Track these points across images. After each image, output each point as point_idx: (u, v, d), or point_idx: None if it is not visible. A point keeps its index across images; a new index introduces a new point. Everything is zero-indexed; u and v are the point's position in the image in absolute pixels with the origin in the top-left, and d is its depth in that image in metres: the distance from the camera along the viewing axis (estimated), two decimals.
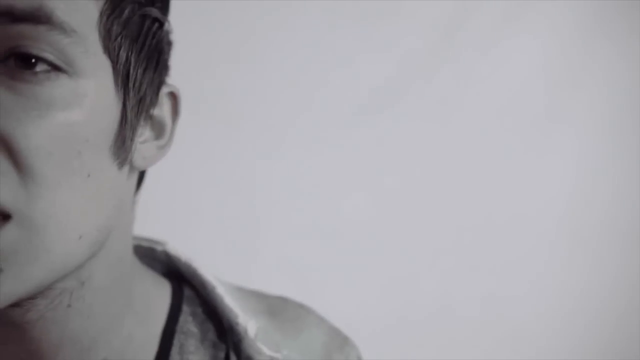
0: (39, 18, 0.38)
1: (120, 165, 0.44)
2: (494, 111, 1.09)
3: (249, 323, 0.52)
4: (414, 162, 1.06)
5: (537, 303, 1.11)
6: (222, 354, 0.52)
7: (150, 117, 0.46)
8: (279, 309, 0.56)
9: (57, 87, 0.39)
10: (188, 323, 0.53)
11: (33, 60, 0.38)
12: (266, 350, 0.51)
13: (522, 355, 1.09)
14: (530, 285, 1.12)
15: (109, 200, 0.43)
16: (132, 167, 0.46)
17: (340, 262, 1.00)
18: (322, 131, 1.02)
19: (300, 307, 0.57)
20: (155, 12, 0.45)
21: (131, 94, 0.43)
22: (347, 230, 1.02)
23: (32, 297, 0.42)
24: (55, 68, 0.39)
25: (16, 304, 0.42)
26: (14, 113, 0.38)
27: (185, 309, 0.54)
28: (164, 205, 0.85)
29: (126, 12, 0.43)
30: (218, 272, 0.55)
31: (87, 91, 0.40)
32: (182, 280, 0.56)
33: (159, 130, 0.47)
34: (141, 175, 0.51)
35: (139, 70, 0.44)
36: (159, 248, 0.57)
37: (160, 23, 0.46)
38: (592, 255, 1.15)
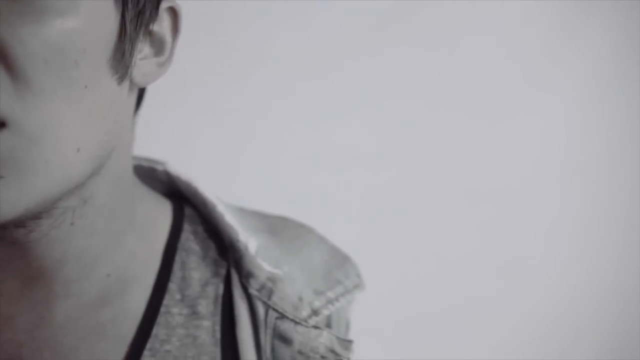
0: None
1: (120, 80, 0.43)
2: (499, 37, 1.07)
3: (249, 240, 0.52)
4: (415, 92, 1.05)
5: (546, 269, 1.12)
6: (223, 271, 0.53)
7: (149, 33, 0.45)
8: (279, 227, 0.57)
9: None
10: (189, 241, 0.53)
11: None
12: (266, 267, 0.51)
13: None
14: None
15: (107, 115, 0.43)
16: (131, 84, 0.45)
17: (339, 193, 1.00)
18: (322, 60, 1.01)
19: (301, 226, 0.58)
20: None
21: (130, 5, 0.42)
22: (346, 161, 1.02)
23: (36, 217, 0.42)
24: None
25: (20, 224, 0.42)
26: (9, 19, 0.37)
27: (187, 227, 0.54)
28: (162, 129, 0.85)
29: None
30: None
31: None
32: (182, 199, 0.56)
33: (158, 46, 0.46)
34: (141, 95, 0.50)
35: None
36: (160, 168, 0.57)
37: None
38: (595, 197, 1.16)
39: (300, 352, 0.49)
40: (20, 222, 0.42)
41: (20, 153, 0.38)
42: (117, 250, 0.49)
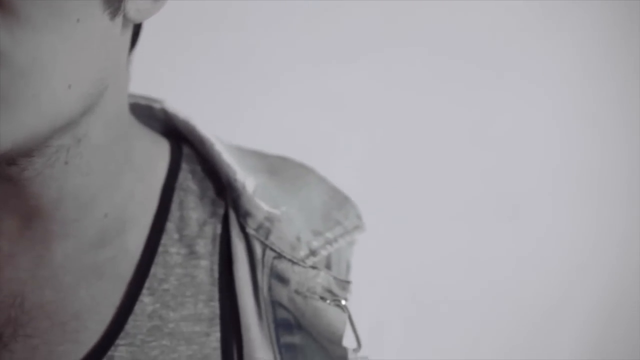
0: None
1: (112, 15, 0.42)
2: None
3: (247, 179, 0.51)
4: (421, 39, 1.02)
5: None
6: (221, 211, 0.52)
7: None
8: (278, 167, 0.56)
9: None
10: (187, 180, 0.53)
11: None
12: (264, 206, 0.51)
13: None
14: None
15: (100, 51, 0.42)
16: (125, 20, 0.44)
17: (343, 134, 0.99)
18: (328, 4, 0.98)
19: (301, 166, 0.57)
20: None
21: None
22: (349, 101, 1.01)
23: (28, 155, 0.42)
24: None
25: (12, 162, 0.42)
26: None
27: (184, 166, 0.53)
28: (161, 67, 0.84)
29: None
30: None
31: None
32: (180, 139, 0.56)
33: None
34: (136, 33, 0.49)
35: None
36: (157, 106, 0.56)
37: None
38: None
39: (297, 292, 0.49)
40: (11, 159, 0.42)
41: (8, 87, 0.37)
42: (115, 190, 0.48)
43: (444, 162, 1.05)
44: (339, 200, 0.55)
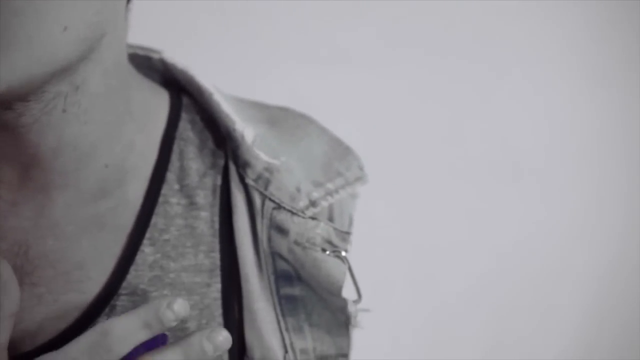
0: None
1: None
2: None
3: (245, 129, 0.50)
4: None
5: None
6: (221, 162, 0.52)
7: None
8: (279, 118, 0.55)
9: None
10: (187, 130, 0.52)
11: None
12: (263, 156, 0.50)
13: None
14: None
15: None
16: None
17: (348, 89, 0.98)
18: None
19: (302, 116, 0.56)
20: None
21: None
22: (357, 56, 0.99)
23: (23, 99, 0.41)
24: None
25: (9, 107, 0.41)
26: None
27: (184, 116, 0.53)
28: (162, 20, 0.83)
29: None
30: None
31: None
32: (179, 89, 0.55)
33: None
34: None
35: None
36: (155, 56, 0.55)
37: None
38: None
39: (296, 243, 0.49)
40: (7, 103, 0.41)
41: (2, 28, 0.36)
42: (115, 141, 0.48)
43: (449, 119, 1.04)
44: (341, 151, 0.54)
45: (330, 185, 0.51)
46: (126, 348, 0.40)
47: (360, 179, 0.54)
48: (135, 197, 0.49)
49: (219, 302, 0.49)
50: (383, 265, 1.00)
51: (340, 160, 0.54)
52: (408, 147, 1.01)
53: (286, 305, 0.50)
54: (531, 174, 1.10)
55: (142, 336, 0.41)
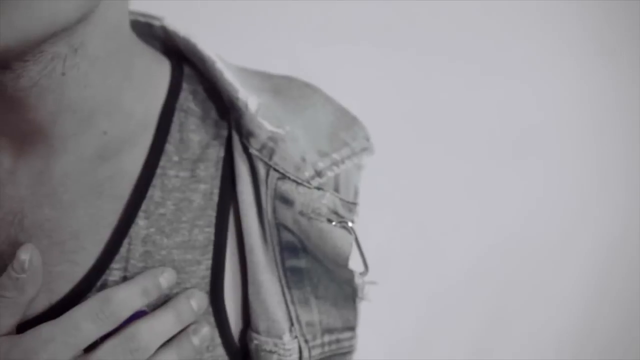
0: None
1: None
2: None
3: (249, 98, 0.49)
4: None
5: None
6: (224, 133, 0.50)
7: None
8: (283, 87, 0.54)
9: None
10: (188, 101, 0.51)
11: None
12: (267, 125, 0.48)
13: None
14: None
15: None
16: None
17: (350, 62, 0.97)
18: None
19: (307, 85, 0.55)
20: None
21: None
22: (359, 30, 0.98)
23: (22, 59, 0.40)
24: None
25: (7, 67, 0.41)
26: None
27: (185, 86, 0.51)
28: None
29: None
30: None
31: None
32: (181, 58, 0.53)
33: None
34: None
35: None
36: (157, 23, 0.54)
37: None
38: None
39: (301, 214, 0.47)
40: (5, 63, 0.40)
41: None
42: (114, 108, 0.47)
43: (454, 91, 1.02)
44: (347, 121, 0.53)
45: (336, 156, 0.50)
46: (126, 313, 0.44)
47: (366, 149, 0.53)
48: (134, 168, 0.48)
49: (207, 280, 0.48)
50: (384, 241, 0.99)
51: (346, 130, 0.52)
52: (410, 123, 1.00)
53: (291, 278, 0.49)
54: (533, 150, 1.09)
55: (141, 302, 0.44)
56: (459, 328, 1.09)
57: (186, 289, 0.47)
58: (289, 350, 0.49)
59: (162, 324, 0.45)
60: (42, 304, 0.45)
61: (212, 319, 0.48)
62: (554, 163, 1.11)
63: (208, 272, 0.48)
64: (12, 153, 0.47)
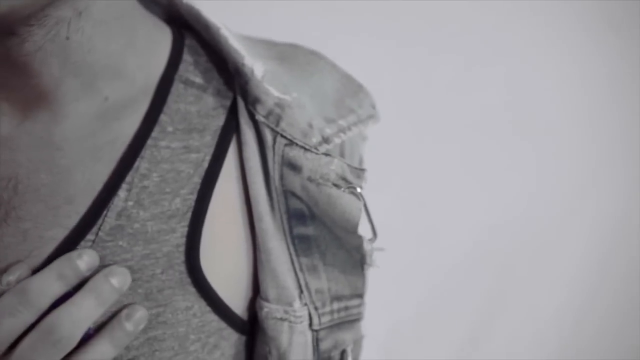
0: None
1: None
2: None
3: (255, 64, 0.48)
4: None
5: None
6: (227, 102, 0.50)
7: None
8: (289, 54, 0.53)
9: None
10: (188, 72, 0.50)
11: None
12: (274, 92, 0.48)
13: None
14: None
15: None
16: None
17: (354, 36, 0.96)
18: None
19: (312, 53, 0.54)
20: None
21: None
22: (359, 8, 0.97)
23: (26, 23, 0.40)
24: None
25: (12, 31, 0.41)
26: None
27: (186, 57, 0.50)
28: None
29: None
30: None
31: None
32: (183, 26, 0.53)
33: None
34: None
35: None
36: None
37: None
38: None
39: (310, 179, 0.47)
40: (10, 27, 0.40)
41: None
42: (116, 74, 0.46)
43: (455, 70, 1.02)
44: (353, 88, 0.53)
45: (342, 122, 0.50)
46: (46, 301, 0.42)
47: (372, 117, 0.53)
48: (131, 135, 0.47)
49: (182, 249, 0.46)
50: (385, 220, 0.99)
51: (352, 97, 0.52)
52: (417, 96, 0.99)
53: (299, 245, 0.49)
54: (535, 130, 1.09)
55: (58, 288, 0.42)
56: (460, 304, 1.10)
57: (157, 258, 0.46)
58: (300, 317, 0.49)
59: (81, 309, 0.42)
60: (32, 265, 0.44)
61: (192, 289, 0.46)
62: (555, 143, 1.10)
63: (183, 240, 0.46)
64: (13, 119, 0.46)
